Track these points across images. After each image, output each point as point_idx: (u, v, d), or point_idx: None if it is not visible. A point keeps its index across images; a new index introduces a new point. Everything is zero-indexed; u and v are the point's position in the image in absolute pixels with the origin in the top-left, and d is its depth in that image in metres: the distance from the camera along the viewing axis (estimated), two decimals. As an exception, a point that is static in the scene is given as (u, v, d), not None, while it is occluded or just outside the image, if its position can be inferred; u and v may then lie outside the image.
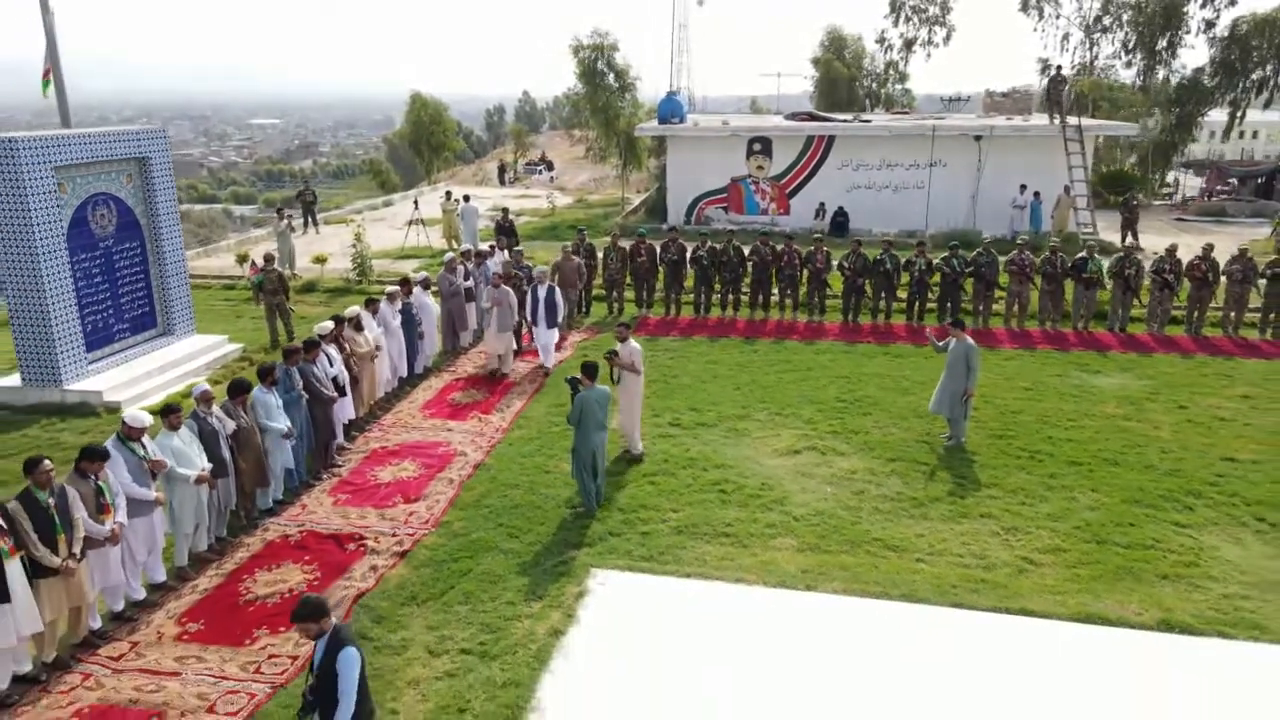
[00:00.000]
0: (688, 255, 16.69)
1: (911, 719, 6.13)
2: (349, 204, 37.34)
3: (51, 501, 6.71)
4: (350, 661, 4.92)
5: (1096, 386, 12.82)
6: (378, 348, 11.73)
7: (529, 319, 13.73)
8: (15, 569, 6.43)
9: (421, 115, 38.48)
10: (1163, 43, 38.61)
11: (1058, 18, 42.33)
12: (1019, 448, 10.65)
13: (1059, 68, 33.10)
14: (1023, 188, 23.79)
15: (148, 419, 7.77)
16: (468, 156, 61.98)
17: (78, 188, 12.45)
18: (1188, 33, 37.26)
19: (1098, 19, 41.62)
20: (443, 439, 11.10)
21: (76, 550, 6.80)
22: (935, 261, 15.82)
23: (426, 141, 38.78)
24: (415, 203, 25.16)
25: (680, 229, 19.67)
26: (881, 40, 45.27)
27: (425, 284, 13.77)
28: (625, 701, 6.36)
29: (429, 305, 13.75)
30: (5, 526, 6.42)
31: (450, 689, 6.54)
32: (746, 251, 16.49)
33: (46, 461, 6.74)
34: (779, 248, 16.45)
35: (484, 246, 16.41)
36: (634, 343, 10.24)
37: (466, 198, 23.25)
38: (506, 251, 16.47)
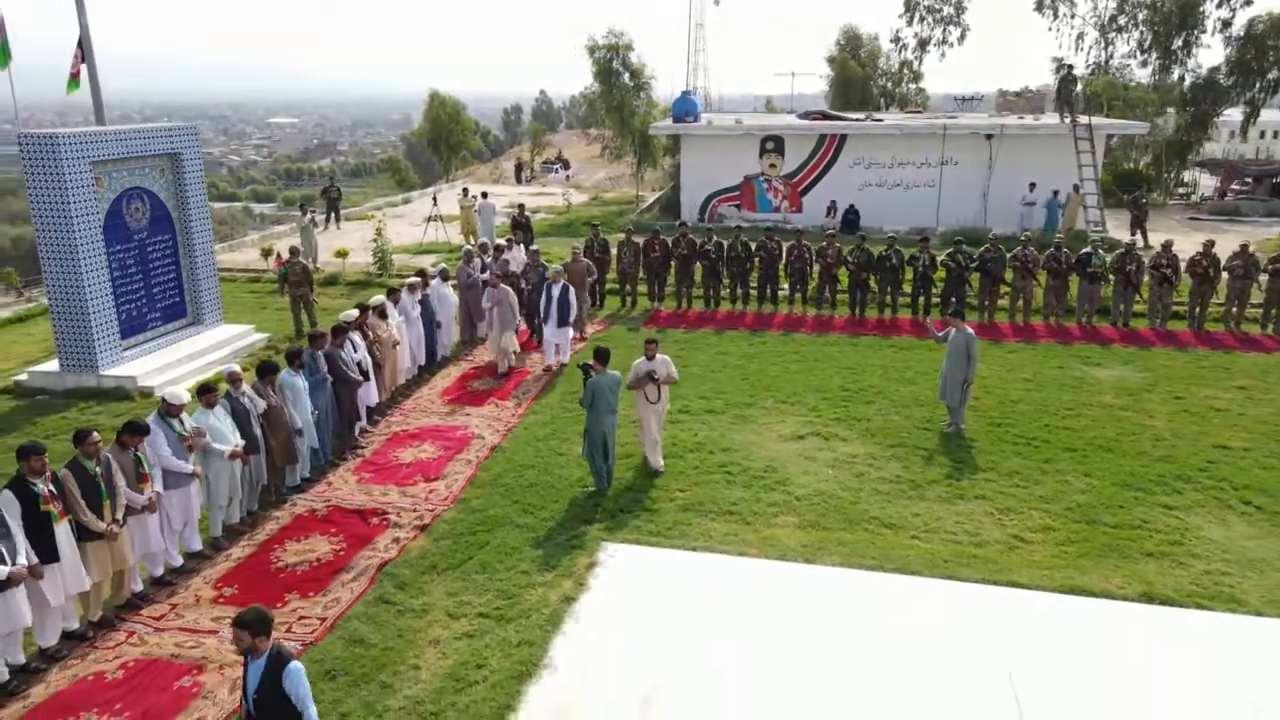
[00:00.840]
0: (698, 249, 17.09)
1: (900, 680, 6.52)
2: (368, 201, 37.95)
3: (99, 470, 7.23)
4: (298, 676, 4.89)
5: (1095, 378, 13.15)
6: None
7: (540, 316, 13.73)
8: (64, 532, 6.95)
9: (440, 114, 39.00)
10: (1178, 42, 38.67)
11: (1073, 17, 42.45)
12: (1016, 435, 11.02)
13: (1070, 67, 33.29)
14: (1032, 186, 24.04)
15: (186, 396, 8.29)
16: (485, 155, 62.58)
17: (114, 182, 13.01)
18: (1204, 32, 37.32)
19: (1113, 18, 41.74)
20: (461, 423, 11.57)
21: (120, 516, 7.30)
22: (940, 257, 16.17)
23: (445, 140, 39.30)
24: (434, 200, 25.68)
25: (692, 226, 20.06)
26: (896, 40, 45.49)
27: (444, 276, 14.24)
28: (632, 660, 6.79)
29: (447, 296, 14.23)
30: (56, 492, 6.94)
31: (469, 648, 7.00)
32: (754, 247, 16.88)
33: (95, 434, 7.25)
34: (787, 244, 16.84)
35: (500, 241, 16.86)
36: (662, 356, 9.99)
37: (484, 195, 23.75)
38: (524, 248, 16.94)
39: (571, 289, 13.80)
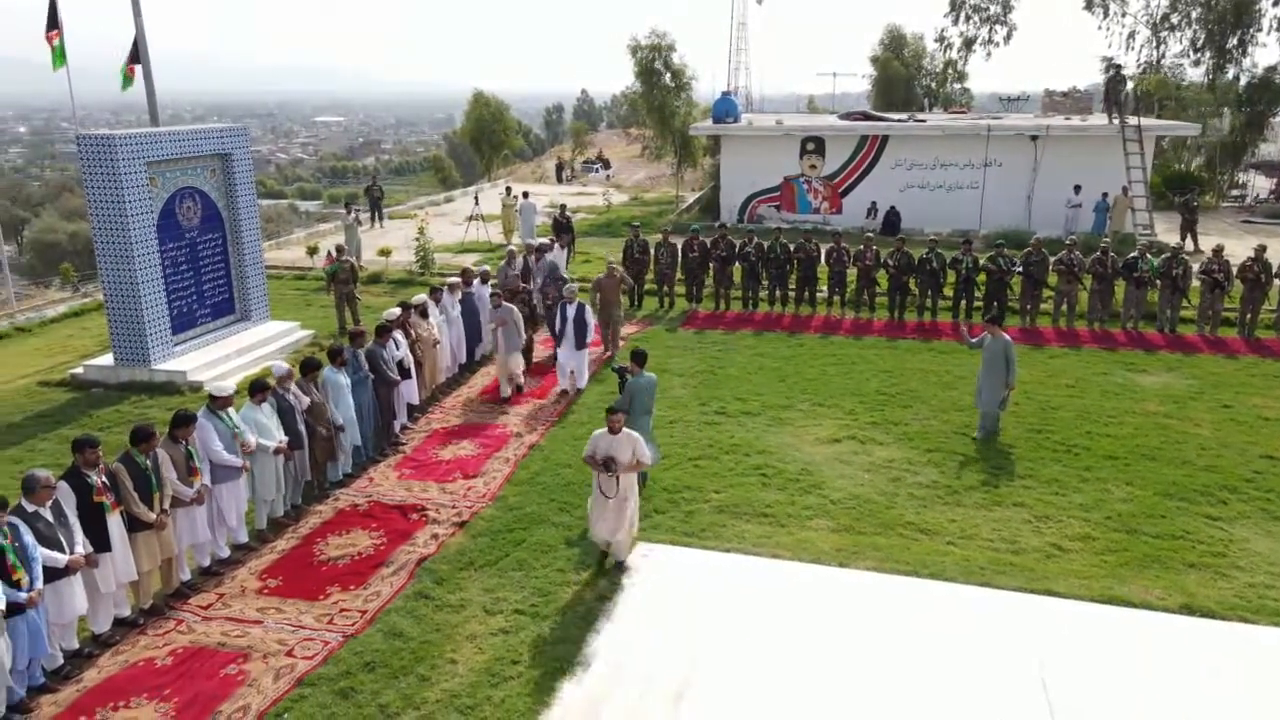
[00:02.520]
0: (736, 251, 17.10)
1: (930, 685, 6.51)
2: (411, 200, 38.44)
3: (150, 464, 7.47)
4: None
5: (1140, 385, 12.94)
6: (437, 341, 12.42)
7: (554, 338, 12.91)
8: (115, 523, 7.19)
9: (483, 113, 39.38)
10: (1233, 40, 37.78)
11: (1123, 15, 41.67)
12: (1056, 441, 10.90)
13: (1118, 66, 32.67)
14: (1077, 189, 23.66)
15: (232, 388, 8.56)
16: (526, 154, 62.98)
17: (167, 182, 13.37)
18: (1259, 30, 36.42)
19: (1165, 16, 40.87)
20: (500, 421, 11.73)
21: (166, 506, 7.55)
22: (981, 260, 16.01)
23: (487, 139, 39.67)
24: (475, 199, 25.97)
25: (731, 227, 20.07)
26: (941, 39, 44.96)
27: (484, 277, 14.40)
28: (665, 659, 6.86)
29: (488, 297, 14.38)
30: (109, 484, 7.19)
31: (505, 643, 7.12)
32: (793, 249, 16.85)
33: (157, 434, 7.53)
34: (826, 247, 16.79)
35: (543, 241, 17.01)
36: (629, 432, 8.05)
37: (525, 194, 23.97)
38: (566, 249, 17.04)
39: (588, 308, 12.93)
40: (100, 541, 7.04)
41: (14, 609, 6.24)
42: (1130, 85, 28.97)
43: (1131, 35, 41.99)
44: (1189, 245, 21.38)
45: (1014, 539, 8.66)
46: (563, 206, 21.67)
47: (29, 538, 6.48)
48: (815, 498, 9.52)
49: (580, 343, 12.60)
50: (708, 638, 7.11)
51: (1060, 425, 11.40)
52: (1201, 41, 39.56)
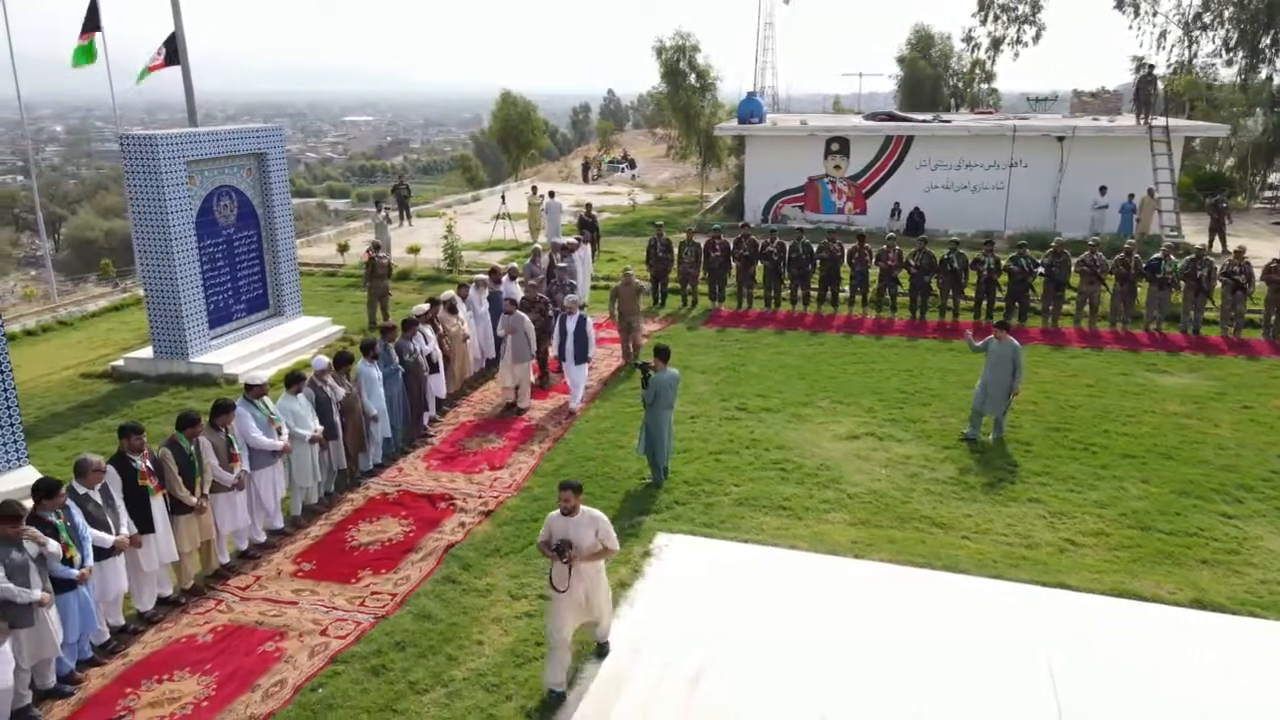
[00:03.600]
0: (759, 250, 17.28)
1: (939, 671, 6.70)
2: (439, 198, 38.91)
3: (193, 449, 7.82)
4: None
5: (1160, 385, 13.00)
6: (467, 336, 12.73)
7: (556, 353, 12.41)
8: (159, 506, 7.54)
9: (511, 113, 39.71)
10: (1266, 40, 37.42)
11: (1154, 15, 41.37)
12: (1074, 440, 11.00)
13: (1150, 66, 32.44)
14: (1103, 190, 23.58)
15: (264, 377, 8.96)
16: (553, 154, 63.40)
17: (205, 180, 13.79)
18: (1294, 30, 36.01)
19: (1197, 16, 40.50)
20: (525, 415, 12.01)
21: (207, 490, 7.89)
22: (1003, 261, 16.09)
23: (515, 139, 40.03)
24: (502, 197, 26.33)
25: (755, 227, 20.24)
26: (969, 39, 44.82)
27: (512, 275, 14.70)
28: (683, 643, 7.09)
29: (516, 293, 14.66)
30: (153, 469, 7.54)
31: (529, 626, 7.39)
32: (816, 249, 17.01)
33: (201, 421, 7.90)
34: (849, 246, 16.94)
35: (570, 239, 17.28)
36: (592, 511, 6.61)
37: (551, 193, 24.27)
38: (590, 246, 17.28)
39: (589, 320, 12.38)
40: (144, 523, 7.39)
41: (66, 585, 6.60)
42: (1161, 86, 28.73)
43: (1163, 35, 41.71)
44: (1215, 247, 21.27)
45: (1028, 534, 8.81)
46: (588, 205, 21.94)
47: (80, 518, 6.84)
48: (833, 492, 9.71)
49: (580, 357, 12.02)
50: (725, 623, 7.34)
51: (1079, 424, 11.50)
52: (1234, 41, 39.23)
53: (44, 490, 6.67)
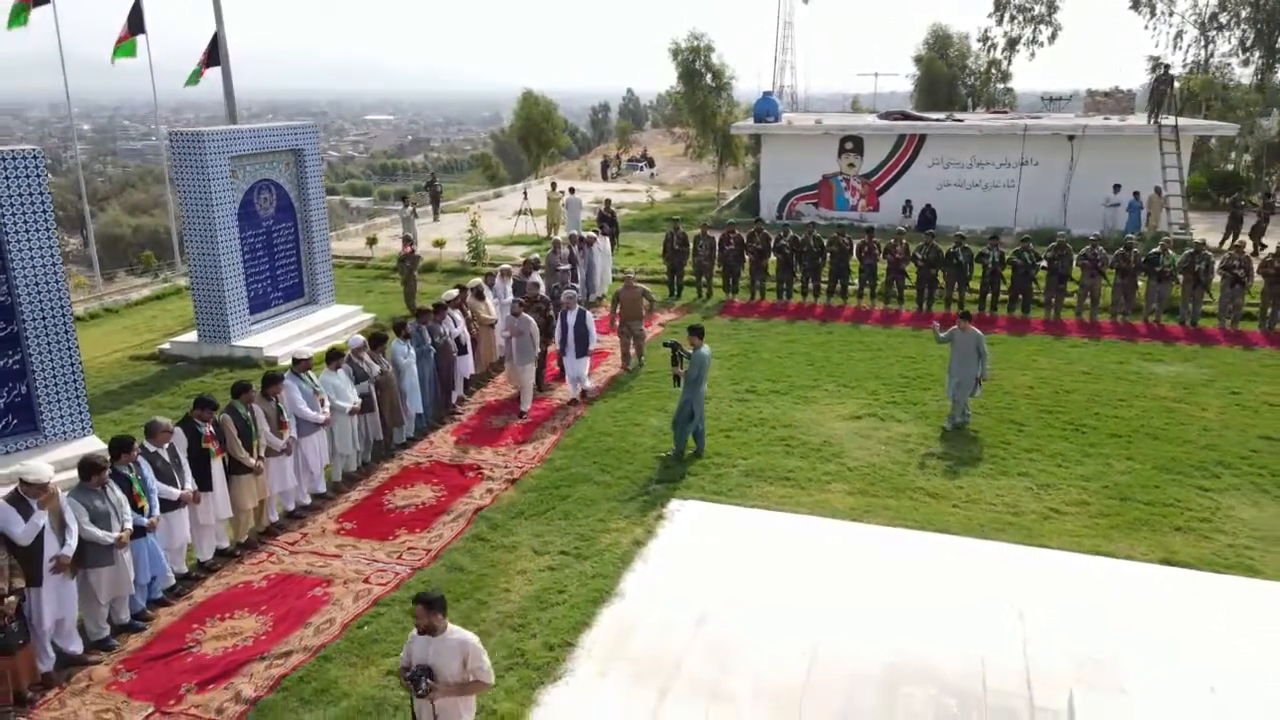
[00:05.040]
0: (771, 245, 17.94)
1: (921, 613, 7.39)
2: (461, 195, 39.76)
3: (250, 415, 8.62)
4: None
5: (1154, 373, 13.57)
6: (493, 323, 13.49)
7: (557, 347, 12.65)
8: (217, 466, 8.34)
9: (532, 111, 40.49)
10: (1283, 40, 37.61)
11: (1170, 15, 41.60)
12: (1065, 421, 11.62)
13: (1166, 67, 32.76)
14: (1116, 188, 24.03)
15: (310, 352, 9.75)
16: (573, 152, 64.16)
17: (247, 175, 14.63)
18: (1310, 30, 36.19)
19: (1213, 16, 40.71)
20: (547, 395, 12.75)
21: (263, 454, 8.68)
22: (1007, 255, 16.68)
23: (535, 137, 40.81)
24: (524, 194, 27.14)
25: (769, 223, 20.90)
26: (985, 39, 45.17)
27: (535, 265, 15.43)
28: (691, 592, 7.81)
29: (538, 284, 15.41)
30: (214, 433, 8.34)
31: (551, 578, 8.13)
32: (826, 242, 17.66)
33: (253, 386, 8.69)
34: (858, 241, 17.58)
35: (589, 233, 18.01)
36: (460, 634, 5.37)
37: (571, 190, 25.03)
38: (610, 240, 17.97)
39: (588, 314, 12.57)
40: (203, 482, 8.18)
41: (137, 531, 7.39)
42: (1175, 86, 29.02)
43: (1179, 35, 41.92)
44: (1241, 243, 21.62)
45: (1015, 503, 9.46)
46: (607, 201, 22.69)
47: (149, 473, 7.64)
48: (834, 465, 10.39)
49: (581, 350, 12.30)
50: (729, 575, 8.05)
51: (1071, 407, 12.11)
52: (1250, 41, 39.43)
53: (120, 446, 7.48)
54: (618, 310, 13.74)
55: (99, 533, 6.97)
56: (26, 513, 6.54)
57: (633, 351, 13.89)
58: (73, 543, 6.77)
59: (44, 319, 10.17)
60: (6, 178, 9.74)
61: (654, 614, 7.47)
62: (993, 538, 8.68)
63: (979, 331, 11.42)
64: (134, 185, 67.83)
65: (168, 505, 7.76)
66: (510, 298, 14.35)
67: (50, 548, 6.66)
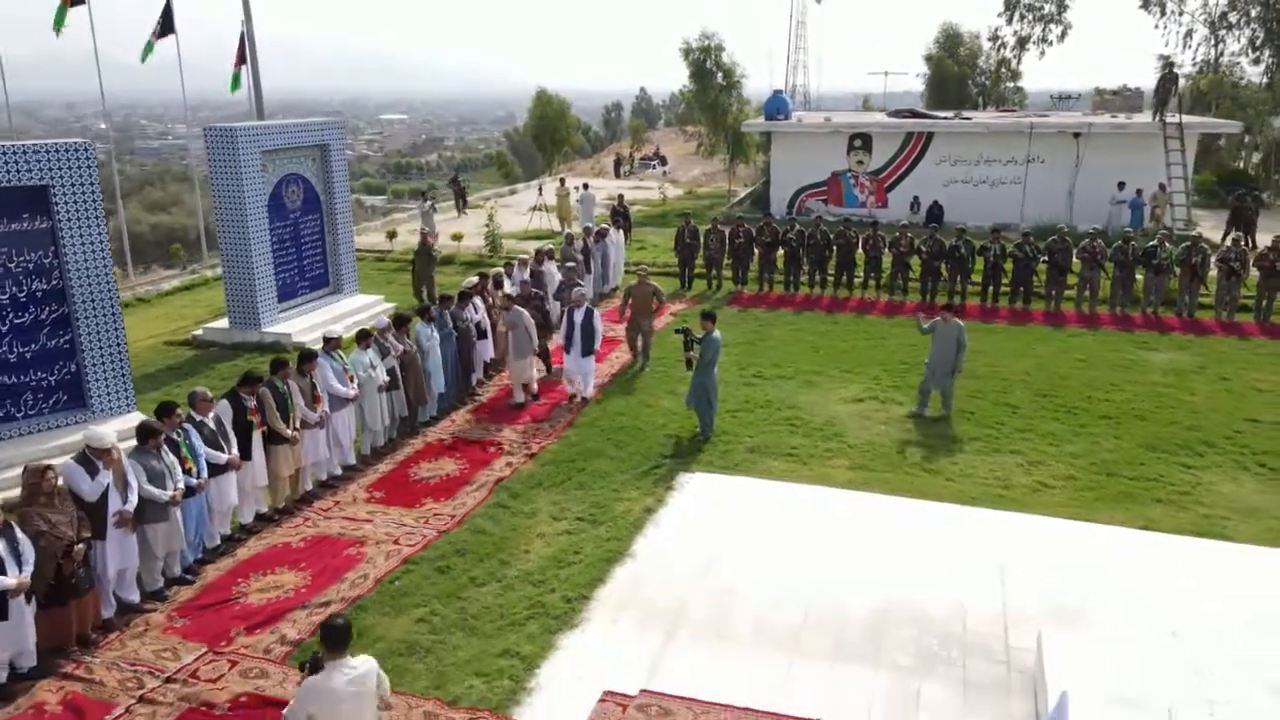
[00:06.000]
0: (779, 238, 18.48)
1: (909, 565, 8.02)
2: (477, 192, 40.45)
3: (286, 390, 9.26)
4: None
5: (1148, 360, 14.06)
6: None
7: (563, 344, 12.55)
8: (257, 437, 8.99)
9: (547, 110, 41.13)
10: (1292, 38, 37.79)
11: (1180, 14, 41.82)
12: (1059, 404, 12.14)
13: (1171, 64, 33.09)
14: (1121, 185, 24.42)
15: (340, 331, 10.38)
16: (586, 151, 64.80)
17: (276, 169, 15.29)
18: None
19: (1223, 15, 40.93)
20: (563, 379, 13.34)
21: (298, 425, 9.32)
22: (1008, 248, 17.18)
23: (549, 136, 41.44)
24: (540, 190, 27.77)
25: (779, 219, 21.45)
26: (995, 38, 45.49)
27: (549, 254, 16.04)
28: (697, 548, 8.41)
29: (553, 273, 16.04)
30: (256, 405, 8.98)
31: (568, 540, 8.73)
32: (832, 236, 18.20)
33: (289, 363, 9.34)
34: (863, 234, 18.12)
35: (603, 226, 18.62)
36: (366, 665, 5.04)
37: (585, 186, 25.64)
38: (624, 234, 18.56)
39: (596, 313, 12.54)
40: (244, 451, 8.82)
41: (189, 491, 8.03)
42: (1181, 84, 29.36)
43: (1189, 34, 42.10)
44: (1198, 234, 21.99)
45: (1006, 478, 10.00)
46: (620, 196, 23.30)
47: (196, 439, 8.28)
48: (836, 443, 10.95)
49: (587, 349, 12.24)
50: (734, 537, 8.65)
51: (1066, 391, 12.62)
52: (1261, 40, 39.61)
53: (164, 411, 8.13)
54: (628, 304, 13.94)
55: (156, 491, 7.61)
56: (93, 472, 7.20)
57: (640, 345, 13.94)
58: (134, 500, 7.42)
59: (93, 302, 10.83)
60: (60, 168, 10.40)
61: (663, 571, 8.07)
62: (983, 508, 9.22)
63: (961, 323, 11.73)
64: (152, 183, 68.86)
65: (215, 470, 8.39)
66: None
67: (114, 504, 7.31)
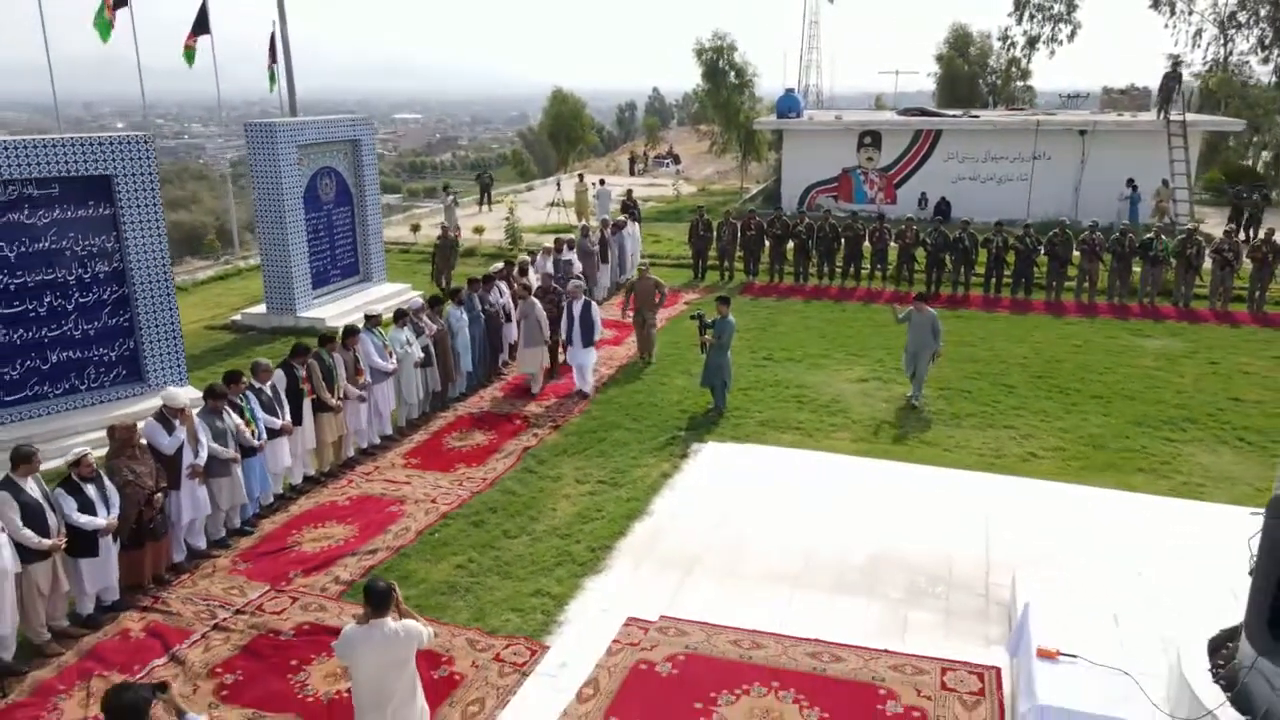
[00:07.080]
0: (790, 230, 19.20)
1: (903, 521, 8.77)
2: (496, 189, 41.28)
3: (332, 362, 10.07)
4: None
5: (1141, 346, 14.72)
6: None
7: (563, 337, 12.76)
8: (307, 404, 9.79)
9: (562, 110, 41.96)
10: (1302, 38, 38.19)
11: (1190, 14, 42.25)
12: (1052, 385, 12.83)
13: (1176, 63, 33.61)
14: (1129, 181, 24.96)
15: (380, 310, 11.18)
16: (600, 150, 65.57)
17: (311, 162, 16.13)
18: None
19: (1233, 15, 41.35)
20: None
21: (342, 395, 10.13)
22: (1010, 240, 17.86)
23: (565, 134, 42.26)
24: (558, 185, 28.57)
25: (788, 213, 22.13)
26: (1005, 38, 46.00)
27: (570, 244, 16.82)
28: (710, 508, 9.17)
29: (576, 263, 16.82)
30: (306, 375, 9.79)
31: (591, 501, 9.50)
32: (840, 229, 18.91)
33: (335, 339, 10.16)
34: (870, 227, 18.83)
35: (619, 218, 19.40)
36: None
37: (601, 181, 26.43)
38: (637, 225, 19.32)
39: (594, 305, 12.73)
40: (296, 417, 9.62)
41: (249, 451, 8.84)
42: (1187, 82, 29.83)
43: (1198, 33, 42.51)
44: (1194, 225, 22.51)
45: (999, 449, 10.71)
46: (629, 191, 24.11)
47: (255, 404, 9.09)
48: (841, 419, 11.69)
49: (587, 340, 12.39)
50: (745, 496, 9.43)
51: (1060, 374, 13.31)
52: (1270, 39, 40.02)
53: (230, 378, 8.94)
54: (631, 298, 14.04)
55: (220, 449, 8.42)
56: (169, 429, 8.03)
57: (646, 339, 13.96)
58: (204, 454, 8.23)
59: (150, 284, 11.67)
60: (121, 159, 11.25)
61: (679, 525, 8.84)
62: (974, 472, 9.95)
63: (934, 312, 12.09)
64: (170, 182, 70.05)
65: (271, 433, 9.20)
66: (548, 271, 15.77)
67: (187, 458, 8.12)
